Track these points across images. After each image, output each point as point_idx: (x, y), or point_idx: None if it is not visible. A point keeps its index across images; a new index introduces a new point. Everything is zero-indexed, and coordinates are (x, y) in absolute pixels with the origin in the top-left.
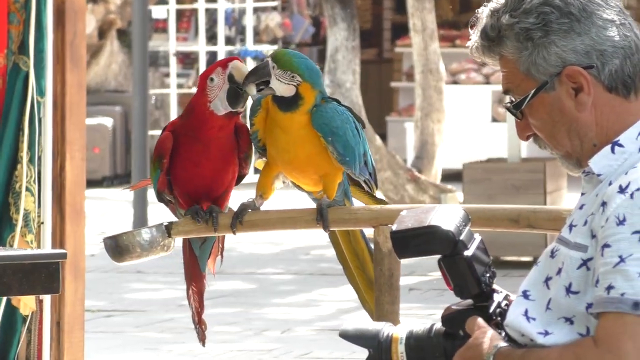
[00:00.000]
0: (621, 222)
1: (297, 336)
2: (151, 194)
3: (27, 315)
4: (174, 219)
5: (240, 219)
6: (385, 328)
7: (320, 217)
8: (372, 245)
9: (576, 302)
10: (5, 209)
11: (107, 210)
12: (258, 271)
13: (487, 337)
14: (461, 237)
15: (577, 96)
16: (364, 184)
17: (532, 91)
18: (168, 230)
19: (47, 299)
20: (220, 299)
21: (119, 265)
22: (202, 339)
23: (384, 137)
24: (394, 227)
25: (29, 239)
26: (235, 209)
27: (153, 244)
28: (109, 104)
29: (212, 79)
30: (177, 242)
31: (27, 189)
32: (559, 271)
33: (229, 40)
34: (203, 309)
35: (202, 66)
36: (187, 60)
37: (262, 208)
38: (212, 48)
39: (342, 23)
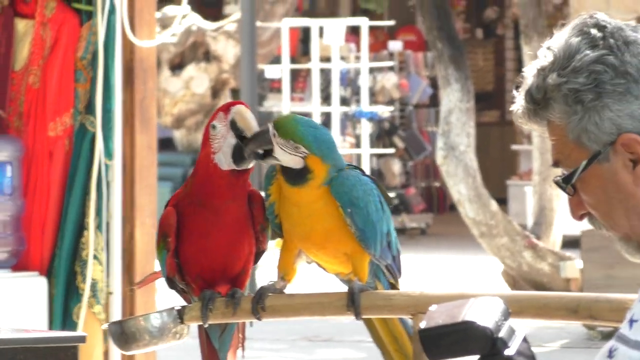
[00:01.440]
0: None
1: None
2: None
3: None
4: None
5: (262, 304)
6: None
7: (352, 303)
8: (410, 327)
9: None
10: (72, 278)
11: None
12: (368, 339)
13: None
14: (500, 334)
15: (635, 168)
16: (385, 271)
17: (584, 163)
18: (180, 315)
19: None
20: None
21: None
22: None
23: (504, 201)
24: (423, 325)
25: (97, 310)
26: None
27: (164, 331)
28: None
29: (214, 126)
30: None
31: (95, 257)
32: None
33: (344, 101)
34: None
35: None
36: None
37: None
38: (326, 109)
39: (455, 84)
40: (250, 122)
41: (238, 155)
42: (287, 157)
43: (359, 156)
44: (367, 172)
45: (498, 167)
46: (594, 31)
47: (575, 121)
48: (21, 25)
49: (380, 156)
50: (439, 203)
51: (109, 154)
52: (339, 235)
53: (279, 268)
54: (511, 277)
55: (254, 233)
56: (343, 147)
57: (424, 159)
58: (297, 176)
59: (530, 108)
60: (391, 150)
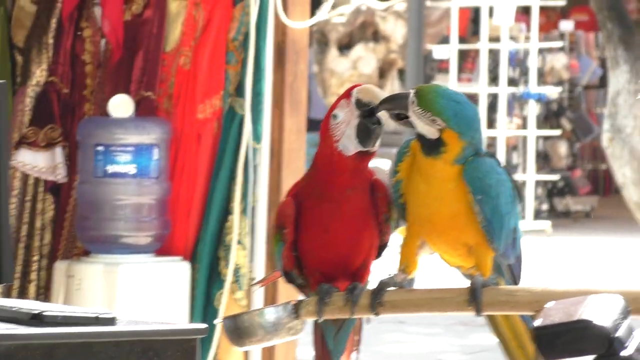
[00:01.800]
0: None
1: None
2: None
3: None
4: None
5: (379, 299)
6: None
7: (473, 299)
8: (531, 323)
9: None
10: (215, 263)
11: None
12: None
13: None
14: (617, 334)
15: None
16: (506, 272)
17: None
18: (296, 310)
19: None
20: (481, 353)
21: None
22: None
23: None
24: (538, 323)
25: (239, 295)
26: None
27: (278, 326)
28: (388, 145)
29: (335, 115)
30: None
31: (239, 242)
32: None
33: (512, 82)
34: None
35: (483, 108)
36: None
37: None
38: (493, 89)
39: (624, 65)
40: (377, 94)
41: (364, 133)
42: (423, 126)
43: (524, 138)
44: (533, 154)
45: None
46: None
47: None
48: (173, 6)
49: (546, 138)
50: (605, 185)
51: (257, 137)
52: (464, 223)
53: (400, 260)
54: None
55: (376, 224)
56: (509, 128)
57: (592, 140)
58: (431, 146)
59: None
60: (557, 132)
